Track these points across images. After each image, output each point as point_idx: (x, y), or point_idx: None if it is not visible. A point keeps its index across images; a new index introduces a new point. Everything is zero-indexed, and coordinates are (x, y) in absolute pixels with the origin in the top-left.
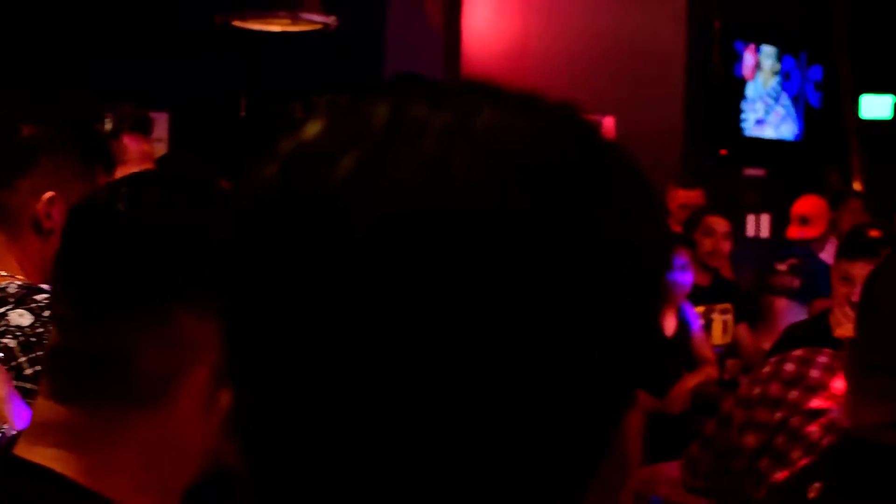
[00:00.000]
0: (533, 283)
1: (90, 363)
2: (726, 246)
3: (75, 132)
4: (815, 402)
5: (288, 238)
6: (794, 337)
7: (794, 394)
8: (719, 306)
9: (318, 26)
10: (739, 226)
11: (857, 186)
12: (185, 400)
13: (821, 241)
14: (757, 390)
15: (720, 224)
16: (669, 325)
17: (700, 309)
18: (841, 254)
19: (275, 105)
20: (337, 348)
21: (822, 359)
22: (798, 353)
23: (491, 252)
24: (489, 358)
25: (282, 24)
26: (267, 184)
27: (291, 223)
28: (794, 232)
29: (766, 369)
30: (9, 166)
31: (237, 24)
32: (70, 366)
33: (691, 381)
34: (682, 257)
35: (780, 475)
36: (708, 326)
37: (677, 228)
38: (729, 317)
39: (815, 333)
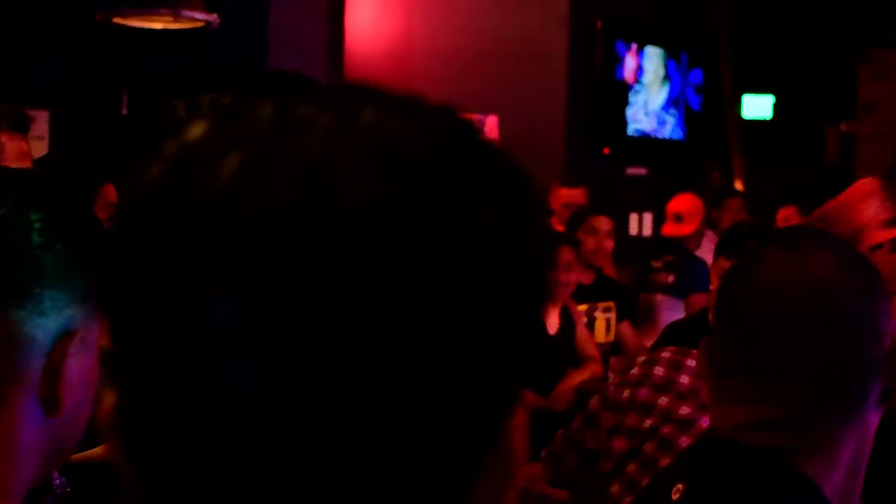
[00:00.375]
0: (412, 281)
1: None
2: (609, 244)
3: None
4: (685, 410)
5: (172, 238)
6: (675, 334)
7: (664, 400)
8: (602, 304)
9: (201, 24)
10: (622, 224)
11: (738, 185)
12: (17, 401)
13: (694, 238)
14: (626, 394)
15: (603, 223)
16: (553, 323)
17: (583, 307)
18: (719, 251)
19: (157, 103)
20: (217, 347)
21: (691, 362)
22: (666, 354)
23: (373, 250)
24: (369, 356)
25: (163, 22)
26: (152, 185)
27: (176, 223)
28: (669, 229)
29: (635, 371)
30: None
31: (118, 21)
32: None
33: (576, 378)
34: (566, 256)
35: (647, 481)
36: (591, 325)
37: (560, 227)
38: (612, 315)
39: (695, 331)
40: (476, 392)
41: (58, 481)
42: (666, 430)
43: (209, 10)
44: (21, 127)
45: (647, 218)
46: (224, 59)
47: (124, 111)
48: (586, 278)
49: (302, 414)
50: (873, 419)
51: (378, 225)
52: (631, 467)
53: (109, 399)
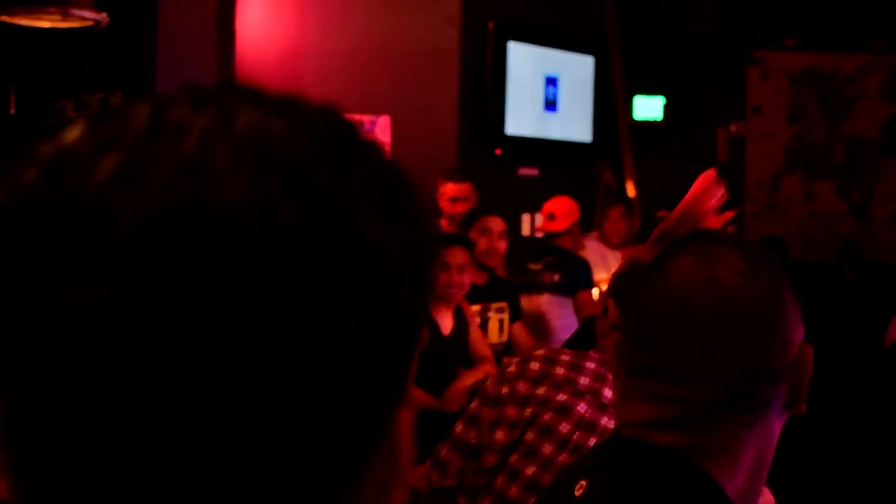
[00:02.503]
0: (287, 281)
1: None
2: (502, 245)
3: None
4: (562, 397)
5: (50, 239)
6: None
7: (541, 390)
8: (495, 305)
9: (89, 23)
10: (514, 225)
11: (629, 186)
12: None
13: (570, 238)
14: (505, 389)
15: (496, 223)
16: (447, 324)
17: (476, 308)
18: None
19: (45, 102)
20: (102, 348)
21: (565, 357)
22: (541, 352)
23: (246, 249)
24: (241, 357)
25: (52, 20)
26: (26, 187)
27: (52, 225)
28: (542, 226)
29: (512, 369)
30: None
31: (5, 19)
32: None
33: (469, 378)
34: (460, 257)
35: (530, 470)
36: (484, 325)
37: (448, 225)
38: (505, 315)
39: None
40: (356, 392)
41: None
42: (546, 417)
43: (98, 10)
44: None
45: (539, 219)
46: (113, 59)
47: (12, 110)
48: (479, 279)
49: (176, 416)
50: (777, 424)
51: (253, 225)
52: (514, 458)
53: None
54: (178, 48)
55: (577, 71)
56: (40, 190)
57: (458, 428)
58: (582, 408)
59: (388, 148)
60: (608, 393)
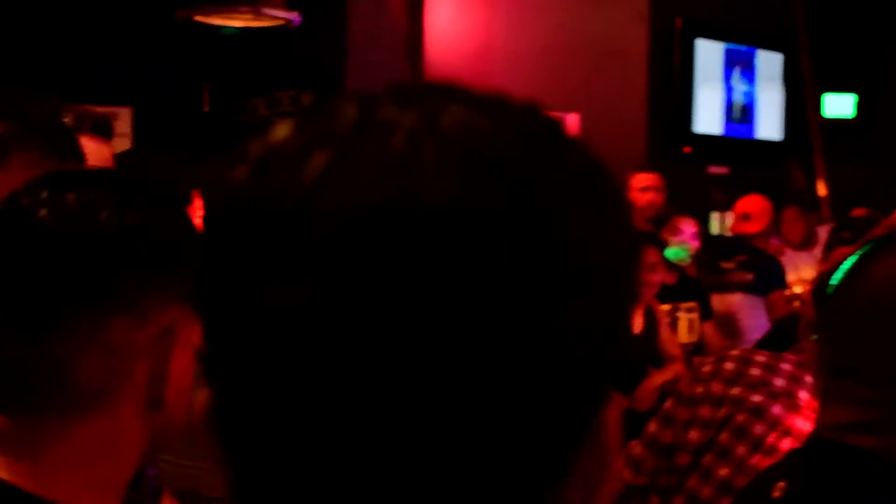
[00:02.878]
0: (500, 280)
1: (23, 376)
2: (694, 245)
3: (44, 127)
4: (757, 398)
5: (259, 238)
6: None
7: (735, 391)
8: (685, 305)
9: (281, 22)
10: (704, 224)
11: (820, 185)
12: (124, 403)
13: (762, 238)
14: (700, 389)
15: (688, 224)
16: (637, 323)
17: (666, 307)
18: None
19: (237, 100)
20: (305, 349)
21: (760, 357)
22: (735, 352)
23: (455, 247)
24: (459, 355)
25: (244, 20)
26: (237, 186)
27: (262, 223)
28: (737, 227)
29: (707, 368)
30: None
31: (199, 19)
32: (5, 379)
33: (659, 378)
34: (651, 257)
35: (724, 471)
36: (674, 325)
37: (639, 220)
38: (695, 315)
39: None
40: (565, 391)
41: (152, 472)
42: (740, 417)
43: (289, 8)
44: (104, 131)
45: (729, 218)
46: (304, 57)
47: (206, 108)
48: (670, 278)
49: (383, 413)
50: None
51: (461, 223)
52: (707, 458)
53: (203, 397)
54: (368, 46)
55: (765, 68)
56: (250, 188)
57: (652, 427)
58: (777, 409)
59: None
60: (803, 395)
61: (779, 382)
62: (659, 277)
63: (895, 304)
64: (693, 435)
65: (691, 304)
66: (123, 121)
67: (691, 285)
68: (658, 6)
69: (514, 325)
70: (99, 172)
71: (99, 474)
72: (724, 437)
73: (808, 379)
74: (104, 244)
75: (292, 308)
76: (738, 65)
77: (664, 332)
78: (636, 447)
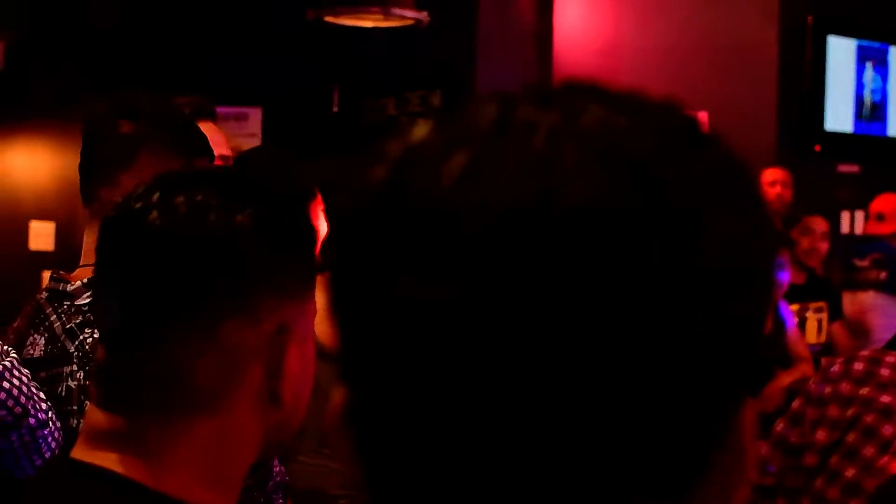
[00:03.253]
0: (643, 280)
1: (140, 378)
2: (824, 246)
3: (171, 126)
4: (886, 399)
5: (400, 238)
6: None
7: (865, 390)
8: (813, 305)
9: (410, 22)
10: (834, 223)
11: None
12: (241, 402)
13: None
14: (828, 389)
15: (819, 224)
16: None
17: (794, 307)
18: None
19: (367, 100)
20: (448, 347)
21: (891, 358)
22: (865, 353)
23: (597, 246)
24: (601, 356)
25: (374, 20)
26: (377, 185)
27: (404, 222)
28: (871, 228)
29: (836, 368)
30: (110, 162)
31: (329, 19)
32: (121, 381)
33: (786, 378)
34: (780, 255)
35: (851, 471)
36: (802, 325)
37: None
38: (823, 315)
39: None
40: (706, 391)
41: (277, 468)
42: (869, 418)
43: (419, 9)
44: (207, 114)
45: (860, 217)
46: (433, 57)
47: (335, 108)
48: (799, 278)
49: (525, 411)
50: None
51: (602, 223)
52: (834, 459)
53: (338, 397)
54: (497, 46)
55: None
56: (390, 188)
57: (780, 427)
58: None
59: None
60: None
61: None
62: (787, 277)
63: None
64: (821, 435)
65: (820, 304)
66: (253, 121)
67: (820, 285)
68: (789, 3)
69: (657, 325)
70: (211, 172)
71: (216, 471)
72: (851, 437)
73: None
74: (213, 246)
75: (439, 306)
76: (871, 62)
77: (792, 331)
78: (763, 447)
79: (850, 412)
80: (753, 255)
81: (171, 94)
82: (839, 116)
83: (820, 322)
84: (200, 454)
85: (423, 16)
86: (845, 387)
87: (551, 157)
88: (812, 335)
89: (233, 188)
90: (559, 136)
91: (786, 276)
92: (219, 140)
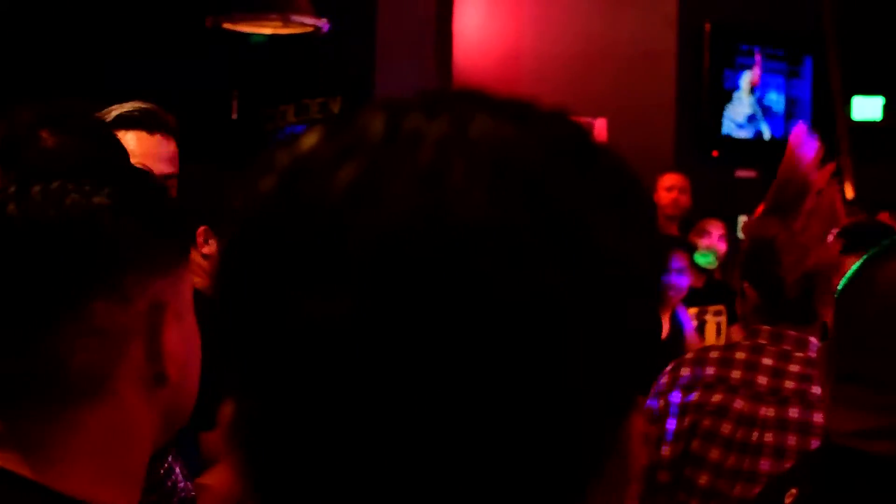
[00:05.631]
0: (530, 291)
1: (18, 373)
2: (721, 247)
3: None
4: (717, 398)
5: (291, 250)
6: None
7: (695, 396)
8: (713, 308)
9: (309, 29)
10: (732, 227)
11: (848, 187)
12: (124, 386)
13: None
14: (661, 402)
15: (715, 226)
16: (663, 327)
17: (693, 311)
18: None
19: (266, 107)
20: (338, 362)
21: (715, 353)
22: (690, 355)
23: (487, 262)
24: (489, 366)
25: (272, 27)
26: (265, 195)
27: (293, 236)
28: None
29: (664, 380)
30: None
31: (228, 26)
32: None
33: None
34: (678, 260)
35: (704, 479)
36: (701, 328)
37: (664, 222)
38: (722, 318)
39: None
40: (594, 400)
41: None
42: (706, 423)
43: (318, 15)
44: (144, 124)
45: None
46: (332, 64)
47: (234, 115)
48: (697, 281)
49: (410, 425)
50: None
51: (492, 240)
52: (686, 470)
53: (226, 411)
54: (396, 52)
55: (794, 71)
56: (279, 199)
57: None
58: (739, 404)
59: None
60: (762, 380)
61: (735, 375)
62: (685, 282)
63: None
64: (665, 450)
65: (719, 307)
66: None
67: (719, 288)
68: (687, 10)
69: (547, 339)
70: (70, 161)
71: (111, 462)
72: (695, 445)
73: (766, 362)
74: (72, 229)
75: (329, 321)
76: (768, 68)
77: (691, 335)
78: None
79: (686, 421)
80: (642, 265)
81: (66, 98)
82: (737, 122)
83: (719, 325)
84: (91, 445)
85: (323, 23)
86: (676, 397)
87: (440, 170)
88: (711, 338)
89: (90, 171)
90: (448, 147)
91: (685, 281)
92: (159, 153)
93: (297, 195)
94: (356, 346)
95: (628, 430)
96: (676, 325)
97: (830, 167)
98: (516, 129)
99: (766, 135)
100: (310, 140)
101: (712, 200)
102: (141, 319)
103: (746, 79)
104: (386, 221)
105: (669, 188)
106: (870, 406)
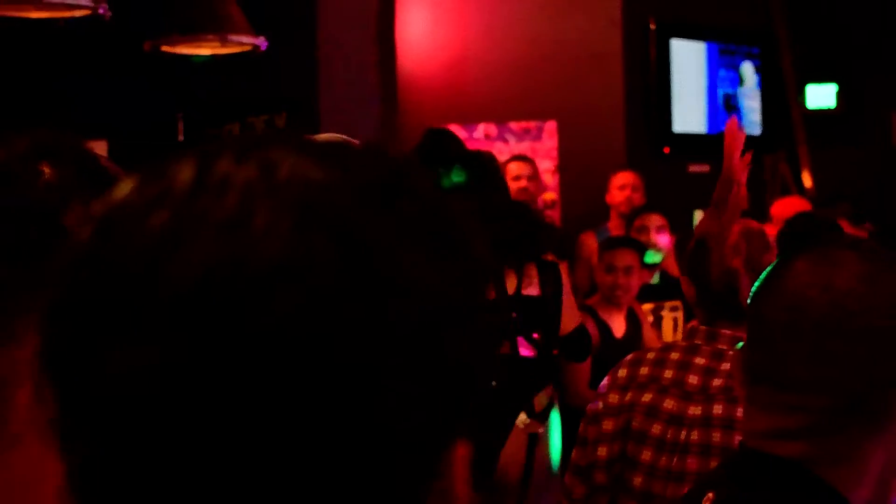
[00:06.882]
0: (333, 328)
1: None
2: (662, 240)
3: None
4: (647, 397)
5: (104, 301)
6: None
7: (628, 396)
8: (669, 303)
9: (248, 48)
10: (688, 222)
11: (805, 175)
12: (23, 433)
13: None
14: (600, 404)
15: (652, 220)
16: (619, 326)
17: (649, 306)
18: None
19: (212, 127)
20: (146, 407)
21: (652, 355)
22: (629, 357)
23: (289, 302)
24: (296, 405)
25: (211, 47)
26: (80, 246)
27: (105, 285)
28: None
29: (604, 381)
30: None
31: (166, 49)
32: None
33: None
34: (626, 259)
35: (637, 480)
36: (658, 323)
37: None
38: (679, 314)
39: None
40: (406, 437)
41: None
42: (636, 423)
43: (256, 34)
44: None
45: None
46: (275, 81)
47: (181, 137)
48: (651, 278)
49: (224, 470)
50: None
51: (292, 282)
52: (622, 471)
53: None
54: (339, 65)
55: (741, 63)
56: (94, 249)
57: (574, 454)
58: (669, 403)
59: (555, 152)
60: (693, 380)
61: (668, 374)
62: (636, 280)
63: (804, 309)
64: (602, 451)
65: (675, 303)
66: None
67: (674, 284)
68: (630, 9)
69: (351, 372)
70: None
71: None
72: (630, 446)
73: (698, 362)
74: None
75: (138, 369)
76: (714, 62)
77: (647, 332)
78: (567, 477)
79: (621, 421)
80: (454, 297)
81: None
82: (689, 118)
83: (676, 321)
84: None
85: (261, 41)
86: (613, 397)
87: (245, 215)
88: (669, 334)
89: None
90: (254, 191)
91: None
92: None
93: (111, 245)
94: (164, 394)
95: (450, 460)
96: (634, 323)
97: (747, 158)
98: (324, 171)
99: (717, 129)
100: (123, 189)
101: (666, 197)
102: (29, 363)
103: (694, 75)
104: (191, 269)
105: (622, 186)
106: (778, 407)
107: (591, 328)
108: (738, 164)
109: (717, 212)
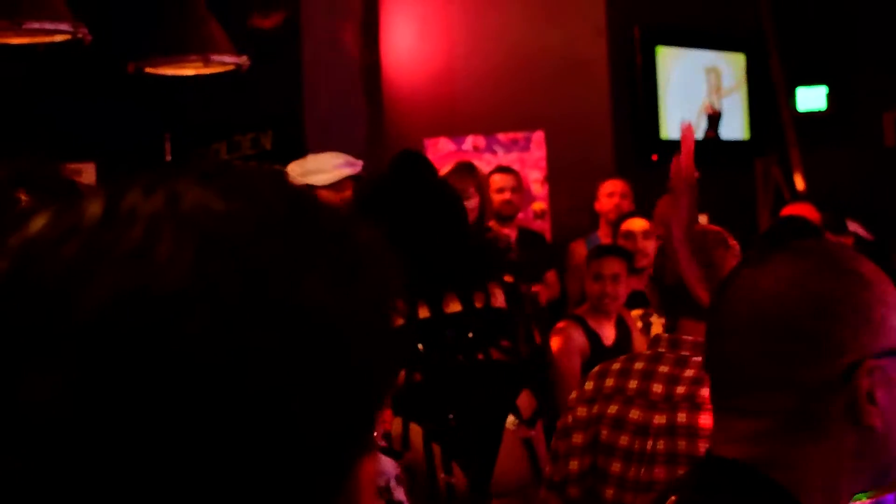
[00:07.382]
0: (234, 351)
1: None
2: (648, 245)
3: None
4: (613, 409)
5: (17, 331)
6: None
7: (595, 408)
8: None
9: (231, 67)
10: None
11: (797, 178)
12: None
13: None
14: (570, 417)
15: (636, 224)
16: (608, 335)
17: (638, 312)
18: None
19: (199, 146)
20: (55, 433)
21: (617, 365)
22: (596, 369)
23: (191, 327)
24: (200, 425)
25: (194, 68)
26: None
27: (19, 315)
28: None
29: (573, 395)
30: None
31: (150, 70)
32: None
33: None
34: (615, 267)
35: (609, 492)
36: (647, 329)
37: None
38: None
39: None
40: (311, 453)
41: None
42: (604, 435)
43: (238, 53)
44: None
45: (703, 220)
46: (260, 99)
47: (168, 157)
48: (639, 283)
49: (136, 487)
50: (849, 437)
51: (193, 308)
52: (593, 484)
53: None
54: (324, 81)
55: (728, 68)
56: (9, 281)
57: (548, 468)
58: (634, 414)
59: (543, 162)
60: (657, 388)
61: (632, 385)
62: (623, 288)
63: (738, 313)
64: (573, 465)
65: None
66: (88, 175)
67: None
68: (615, 17)
69: (255, 397)
70: None
71: None
72: (600, 459)
73: (662, 370)
74: None
75: (46, 396)
76: (701, 68)
77: (637, 338)
78: (542, 491)
79: (589, 434)
80: (355, 317)
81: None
82: (677, 124)
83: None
84: None
85: (244, 60)
86: (581, 411)
87: (148, 247)
88: None
89: None
90: (159, 222)
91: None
92: None
93: (25, 276)
94: (76, 416)
95: (356, 476)
96: (624, 331)
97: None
98: (226, 201)
99: (705, 135)
100: (38, 222)
101: (655, 204)
102: None
103: (680, 81)
104: (99, 297)
105: (610, 194)
106: (726, 410)
107: (581, 338)
108: (690, 162)
109: (674, 197)
